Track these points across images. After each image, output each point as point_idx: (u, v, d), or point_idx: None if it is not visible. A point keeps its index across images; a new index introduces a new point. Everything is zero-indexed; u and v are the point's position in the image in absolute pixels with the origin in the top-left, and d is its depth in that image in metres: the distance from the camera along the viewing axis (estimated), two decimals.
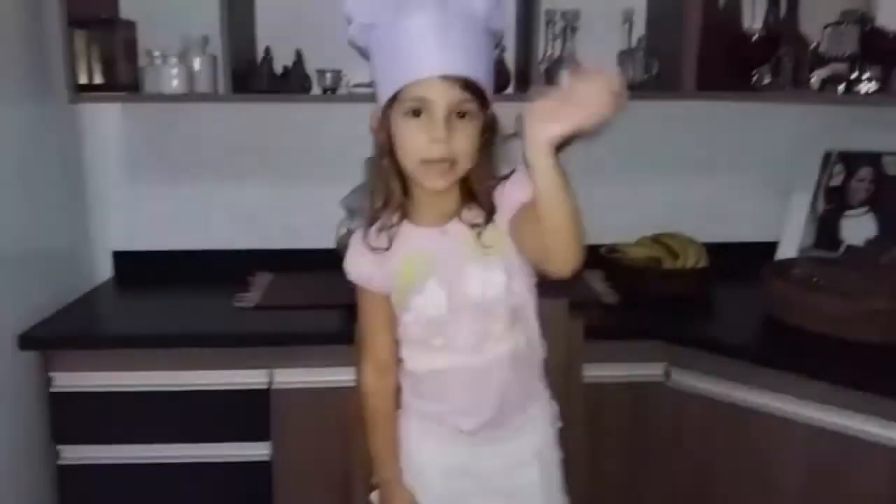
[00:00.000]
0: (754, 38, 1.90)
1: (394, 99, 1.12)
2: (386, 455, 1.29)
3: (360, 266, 1.24)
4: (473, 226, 1.18)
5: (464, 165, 1.14)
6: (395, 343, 1.27)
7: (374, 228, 1.21)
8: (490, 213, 1.18)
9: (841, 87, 1.80)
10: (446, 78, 1.08)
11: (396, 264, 1.21)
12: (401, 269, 1.21)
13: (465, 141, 1.12)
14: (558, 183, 0.98)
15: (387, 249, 1.20)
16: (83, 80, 1.85)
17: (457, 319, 1.20)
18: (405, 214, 1.21)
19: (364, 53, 1.20)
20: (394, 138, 1.14)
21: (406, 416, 1.31)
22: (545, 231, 1.03)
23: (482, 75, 1.12)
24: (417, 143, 1.11)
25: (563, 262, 1.05)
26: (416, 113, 1.10)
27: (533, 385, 1.29)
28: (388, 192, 1.19)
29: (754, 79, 1.89)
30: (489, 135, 1.16)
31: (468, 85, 1.10)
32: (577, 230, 1.03)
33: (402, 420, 1.31)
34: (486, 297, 1.19)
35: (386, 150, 1.16)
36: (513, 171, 1.19)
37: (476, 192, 1.18)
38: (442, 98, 1.09)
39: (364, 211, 1.26)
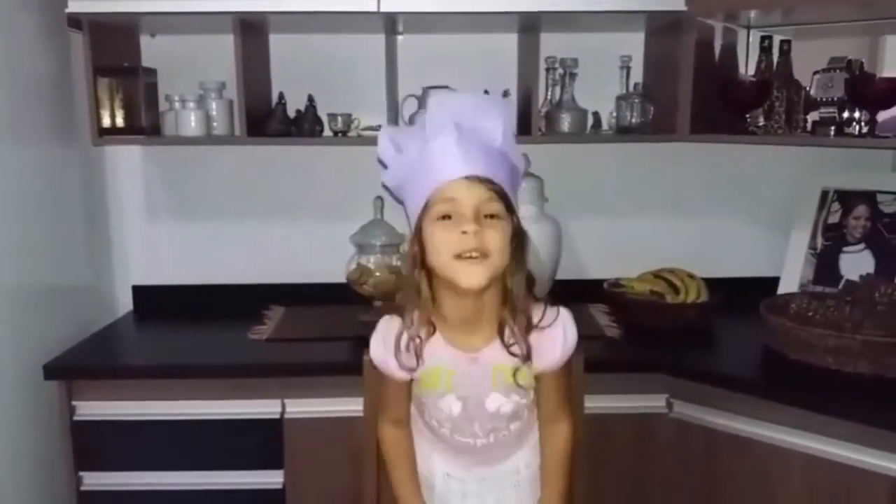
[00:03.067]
0: (747, 82, 1.95)
1: (424, 210, 1.19)
2: (408, 489, 1.36)
3: (387, 362, 1.29)
4: (511, 352, 1.25)
5: (497, 260, 1.19)
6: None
7: (403, 343, 1.26)
8: (527, 342, 1.25)
9: (832, 130, 1.84)
10: (471, 178, 1.17)
11: (421, 369, 1.28)
12: (425, 375, 1.29)
13: (495, 237, 1.18)
14: None
15: (414, 369, 1.27)
16: (106, 123, 1.89)
17: (469, 421, 1.30)
18: (432, 332, 1.26)
19: (397, 194, 1.29)
20: (426, 247, 1.20)
21: (414, 432, 1.39)
22: None
23: (505, 183, 1.21)
24: (448, 241, 1.17)
25: None
26: (447, 217, 1.18)
27: (526, 434, 1.36)
28: (417, 303, 1.25)
29: (748, 121, 1.92)
30: (519, 242, 1.23)
31: (492, 188, 1.18)
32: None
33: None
34: (500, 413, 1.29)
35: (417, 262, 1.23)
36: (555, 311, 1.28)
37: (515, 303, 1.24)
38: (468, 195, 1.17)
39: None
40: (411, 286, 1.25)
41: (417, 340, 1.25)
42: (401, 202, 1.30)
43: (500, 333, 1.25)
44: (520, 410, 1.31)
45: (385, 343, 1.29)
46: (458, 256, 1.17)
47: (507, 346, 1.25)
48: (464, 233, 1.16)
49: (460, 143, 1.18)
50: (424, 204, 1.19)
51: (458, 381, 1.27)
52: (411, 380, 1.32)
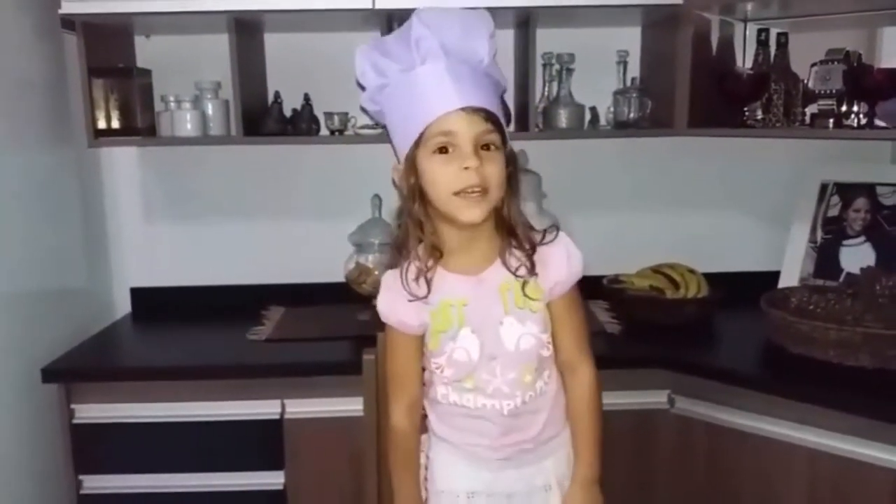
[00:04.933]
0: (745, 75, 1.95)
1: (418, 143, 1.15)
2: (408, 492, 1.30)
3: (395, 309, 1.24)
4: (517, 274, 1.21)
5: (495, 195, 1.16)
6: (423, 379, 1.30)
7: (411, 276, 1.21)
8: (531, 259, 1.21)
9: (830, 122, 1.83)
10: (468, 110, 1.13)
11: (431, 310, 1.23)
12: (436, 315, 1.23)
13: (494, 169, 1.15)
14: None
15: (426, 297, 1.21)
16: (102, 125, 1.89)
17: (490, 367, 1.23)
18: (440, 257, 1.22)
19: (377, 117, 1.26)
20: (422, 180, 1.17)
21: (431, 441, 1.33)
22: None
23: (495, 108, 1.17)
24: (448, 176, 1.14)
25: None
26: (444, 150, 1.14)
27: (558, 417, 1.30)
28: (421, 235, 1.21)
29: (746, 115, 1.91)
30: (512, 168, 1.20)
31: (489, 117, 1.15)
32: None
33: (427, 444, 1.33)
34: (520, 349, 1.22)
35: (415, 194, 1.18)
36: (554, 231, 1.25)
37: (514, 228, 1.21)
38: (467, 129, 1.13)
39: (393, 254, 1.28)
40: (412, 219, 1.21)
41: (426, 267, 1.21)
42: (380, 125, 1.25)
43: (502, 256, 1.22)
44: (542, 350, 1.24)
45: (392, 289, 1.24)
46: (458, 193, 1.14)
47: (508, 268, 1.21)
48: (465, 168, 1.13)
49: (451, 70, 1.14)
50: (419, 135, 1.15)
51: (470, 311, 1.22)
52: (422, 343, 1.26)
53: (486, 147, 1.15)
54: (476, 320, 1.22)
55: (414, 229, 1.21)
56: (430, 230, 1.21)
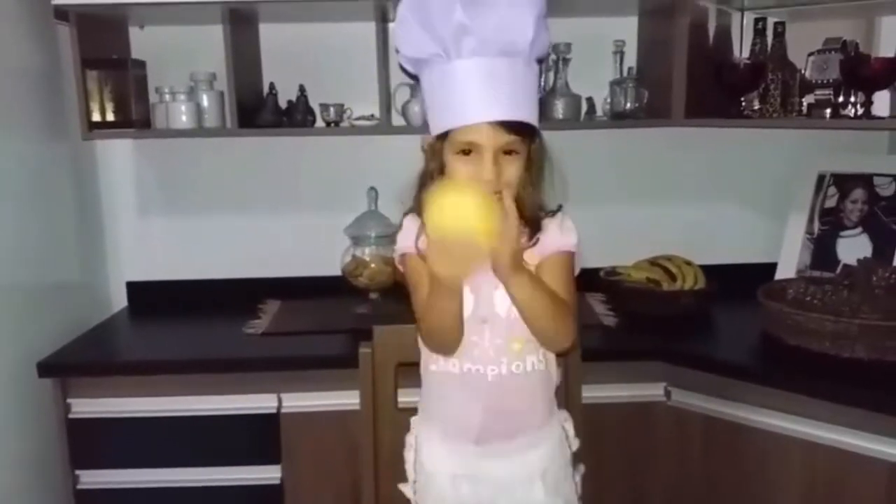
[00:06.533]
0: (742, 65, 1.94)
1: (445, 137, 1.18)
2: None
3: (415, 239, 1.25)
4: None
5: (512, 190, 1.19)
6: None
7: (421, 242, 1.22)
8: (535, 237, 1.24)
9: (827, 112, 1.83)
10: (493, 123, 1.14)
11: None
12: None
13: (511, 174, 1.18)
14: (524, 295, 1.17)
15: None
16: (96, 117, 1.88)
17: (479, 330, 1.25)
18: None
19: (413, 77, 1.27)
20: (445, 167, 1.21)
21: (420, 422, 1.35)
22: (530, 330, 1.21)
23: (528, 111, 1.18)
24: (467, 175, 1.17)
25: (553, 348, 1.25)
26: (466, 152, 1.17)
27: (544, 406, 1.31)
28: None
29: (743, 105, 1.91)
30: (537, 161, 1.23)
31: (514, 126, 1.16)
32: (556, 325, 1.20)
33: (416, 425, 1.36)
34: (511, 317, 1.24)
35: (437, 175, 1.22)
36: (559, 208, 1.27)
37: (526, 216, 1.22)
38: (489, 141, 1.15)
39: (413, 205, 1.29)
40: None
41: None
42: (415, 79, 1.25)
43: None
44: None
45: (410, 228, 1.26)
46: None
47: None
48: (482, 178, 1.16)
49: (485, 72, 1.14)
50: (445, 130, 1.18)
51: None
52: None
53: (509, 152, 1.17)
54: (474, 281, 1.23)
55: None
56: None
